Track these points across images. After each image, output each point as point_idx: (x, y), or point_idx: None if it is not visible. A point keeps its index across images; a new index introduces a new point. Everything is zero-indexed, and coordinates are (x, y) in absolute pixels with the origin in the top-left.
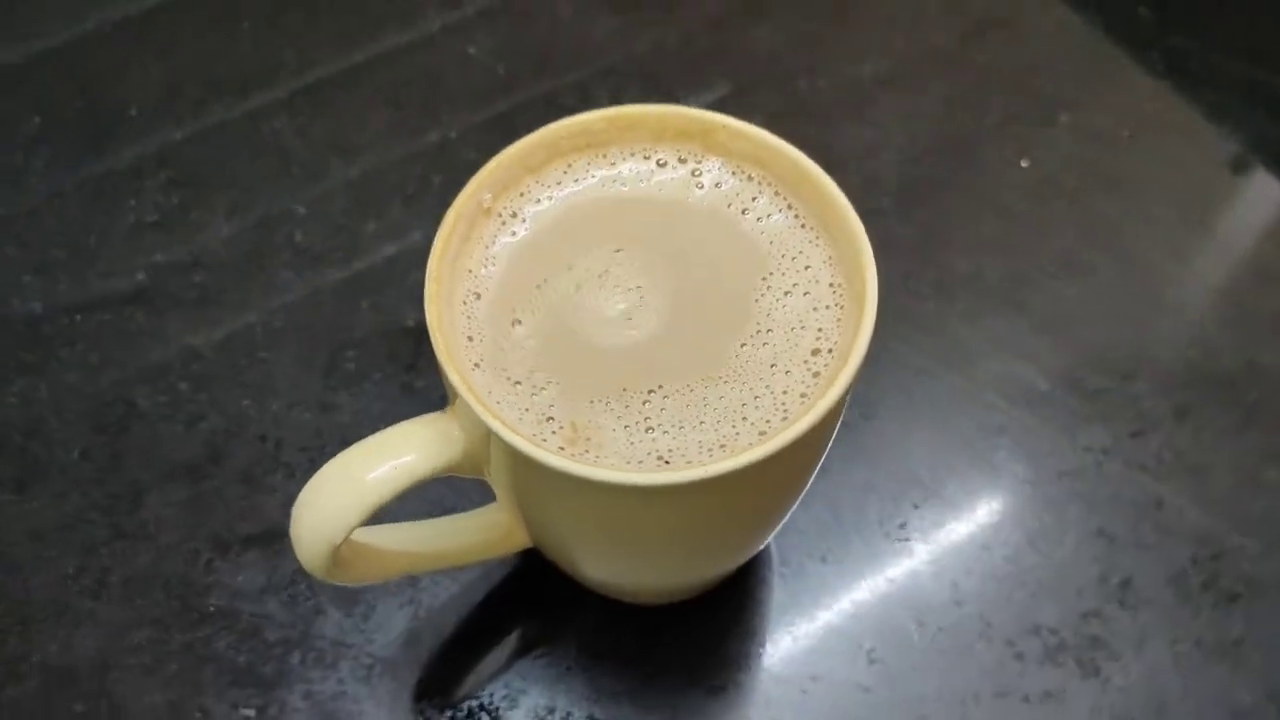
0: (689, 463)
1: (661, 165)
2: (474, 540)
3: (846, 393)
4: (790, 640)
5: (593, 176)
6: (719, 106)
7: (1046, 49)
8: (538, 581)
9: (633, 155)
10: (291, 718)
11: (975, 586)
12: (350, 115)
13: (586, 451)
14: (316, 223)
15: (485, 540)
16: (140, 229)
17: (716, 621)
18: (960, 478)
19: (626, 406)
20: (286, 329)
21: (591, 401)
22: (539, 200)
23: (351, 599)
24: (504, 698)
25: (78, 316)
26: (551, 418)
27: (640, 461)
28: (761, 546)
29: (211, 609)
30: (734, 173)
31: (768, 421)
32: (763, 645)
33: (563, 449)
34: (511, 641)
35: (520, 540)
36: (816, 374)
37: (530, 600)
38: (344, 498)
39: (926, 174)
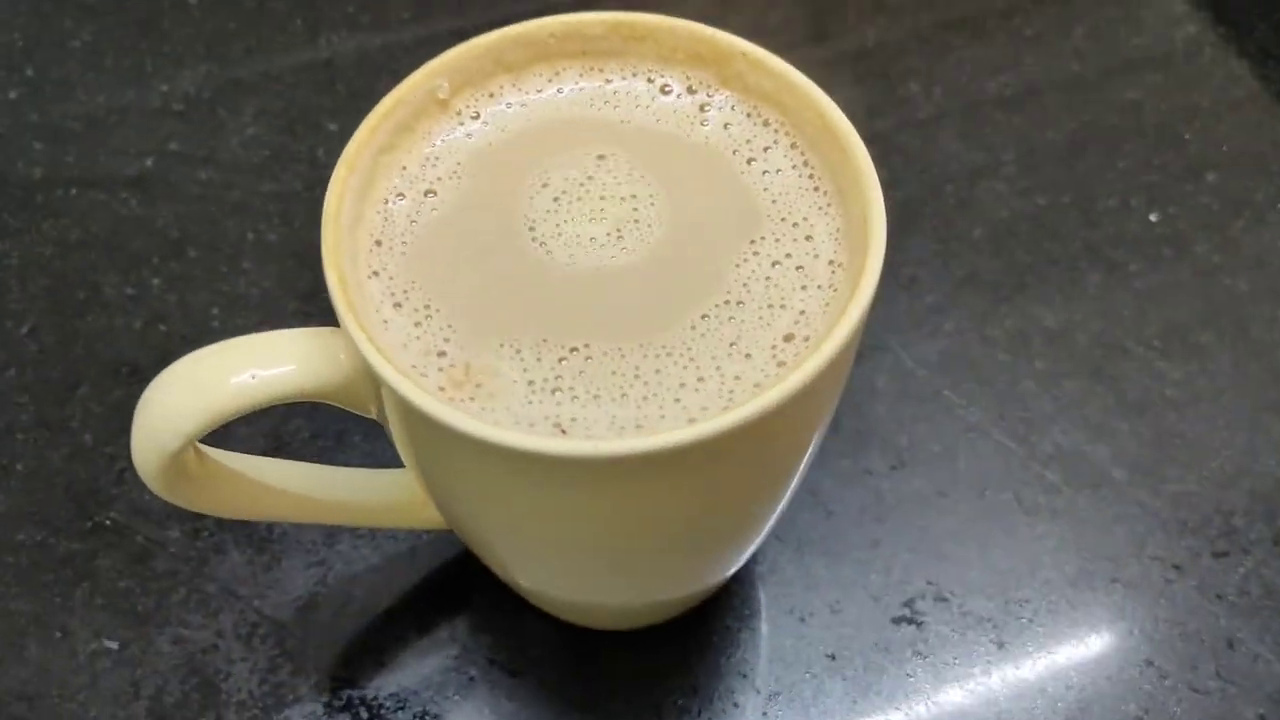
0: (589, 437)
1: (665, 92)
2: (375, 500)
3: (808, 389)
4: (736, 709)
5: (580, 89)
6: None
7: (1205, 99)
8: (466, 576)
9: (634, 75)
10: (153, 661)
11: (981, 694)
12: (411, 40)
13: (472, 399)
14: (345, 141)
15: (388, 503)
16: (163, 115)
17: (658, 662)
18: (990, 561)
19: (539, 359)
20: (280, 243)
21: (501, 345)
22: (509, 105)
23: (259, 545)
24: (390, 696)
25: (73, 190)
26: (444, 353)
27: (532, 424)
28: (703, 582)
29: (107, 522)
30: (749, 114)
31: (704, 409)
32: (703, 705)
33: (442, 389)
34: (418, 633)
35: (434, 516)
36: (782, 363)
37: (452, 594)
38: (191, 399)
39: (1034, 209)
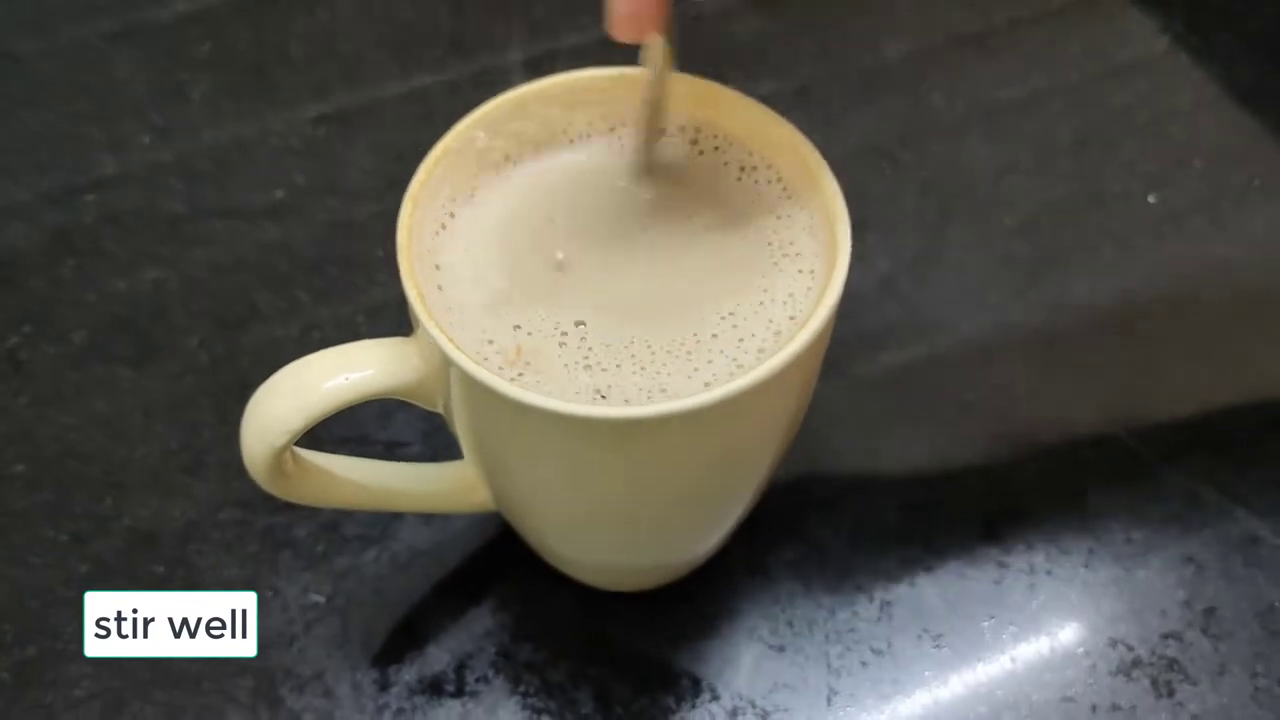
0: (626, 401)
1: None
2: (430, 489)
3: (802, 356)
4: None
5: (595, 130)
6: (844, 116)
7: (1184, 100)
8: (501, 559)
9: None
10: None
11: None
12: (500, 83)
13: (522, 375)
14: None
15: (442, 491)
16: (284, 153)
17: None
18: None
19: (564, 344)
20: None
21: (541, 333)
22: (530, 144)
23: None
24: (427, 672)
25: (216, 222)
26: (492, 340)
27: (577, 392)
28: (717, 533)
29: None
30: (732, 143)
31: (714, 374)
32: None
33: (502, 369)
34: (454, 613)
35: (482, 497)
36: (779, 333)
37: (487, 576)
38: (292, 401)
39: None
